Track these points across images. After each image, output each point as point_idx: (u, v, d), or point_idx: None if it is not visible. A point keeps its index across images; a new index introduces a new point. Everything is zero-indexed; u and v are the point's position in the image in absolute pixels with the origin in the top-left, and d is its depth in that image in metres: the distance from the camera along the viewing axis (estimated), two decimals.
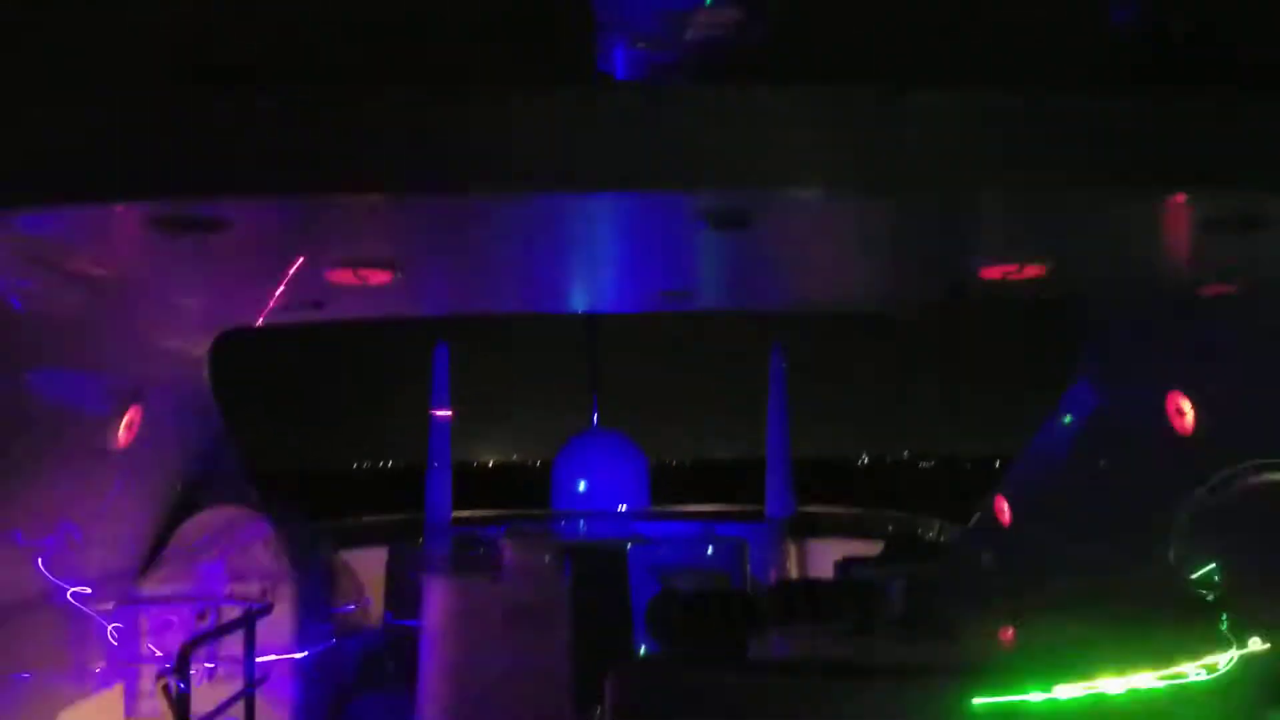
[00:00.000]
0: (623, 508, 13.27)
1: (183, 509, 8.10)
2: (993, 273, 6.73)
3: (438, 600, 7.82)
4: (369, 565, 11.30)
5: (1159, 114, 4.95)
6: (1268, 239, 5.54)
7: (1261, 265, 6.15)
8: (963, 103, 4.96)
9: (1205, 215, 5.40)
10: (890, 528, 12.56)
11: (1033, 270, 6.61)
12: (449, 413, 12.92)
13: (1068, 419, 9.47)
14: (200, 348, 8.58)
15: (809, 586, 7.79)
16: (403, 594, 10.27)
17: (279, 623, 7.42)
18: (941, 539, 11.67)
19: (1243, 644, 5.36)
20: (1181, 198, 5.10)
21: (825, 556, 11.50)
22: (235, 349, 9.22)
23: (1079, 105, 4.96)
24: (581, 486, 13.50)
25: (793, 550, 12.52)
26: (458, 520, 12.72)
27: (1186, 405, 7.60)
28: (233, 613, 7.11)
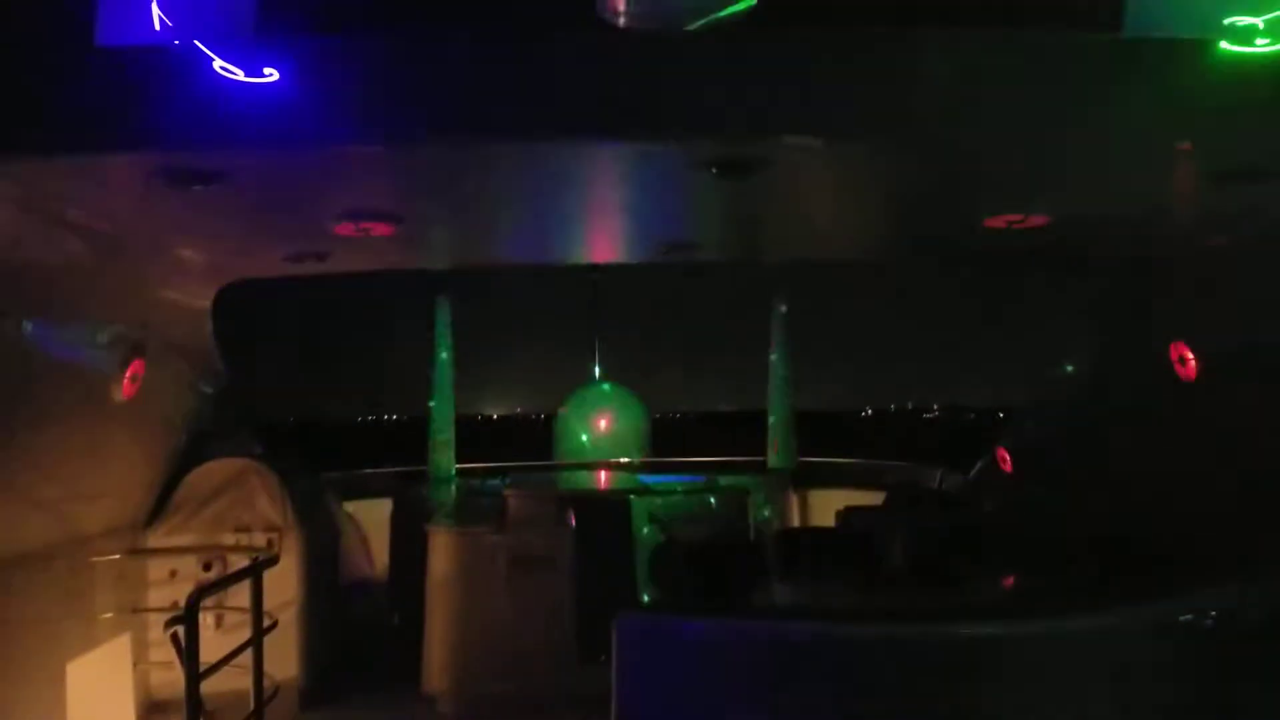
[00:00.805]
0: (625, 460, 13.31)
1: (188, 461, 8.14)
2: (997, 222, 6.71)
3: (442, 551, 7.87)
4: (374, 517, 11.37)
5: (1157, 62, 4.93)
6: (1271, 190, 5.52)
7: (1265, 215, 6.13)
8: (970, 44, 4.93)
9: (1208, 166, 5.38)
10: (892, 478, 12.61)
11: (1036, 220, 6.59)
12: (450, 365, 12.93)
13: (1070, 368, 9.47)
14: (203, 300, 8.58)
15: (812, 536, 7.83)
16: (407, 545, 10.34)
17: (285, 572, 7.48)
18: (943, 488, 11.72)
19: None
20: (1187, 147, 5.08)
21: (827, 506, 11.56)
22: (239, 301, 9.21)
23: (1084, 47, 4.93)
24: (584, 439, 13.53)
25: (795, 500, 12.57)
26: (461, 472, 12.78)
27: (1189, 353, 7.61)
28: (239, 563, 7.16)
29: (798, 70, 4.96)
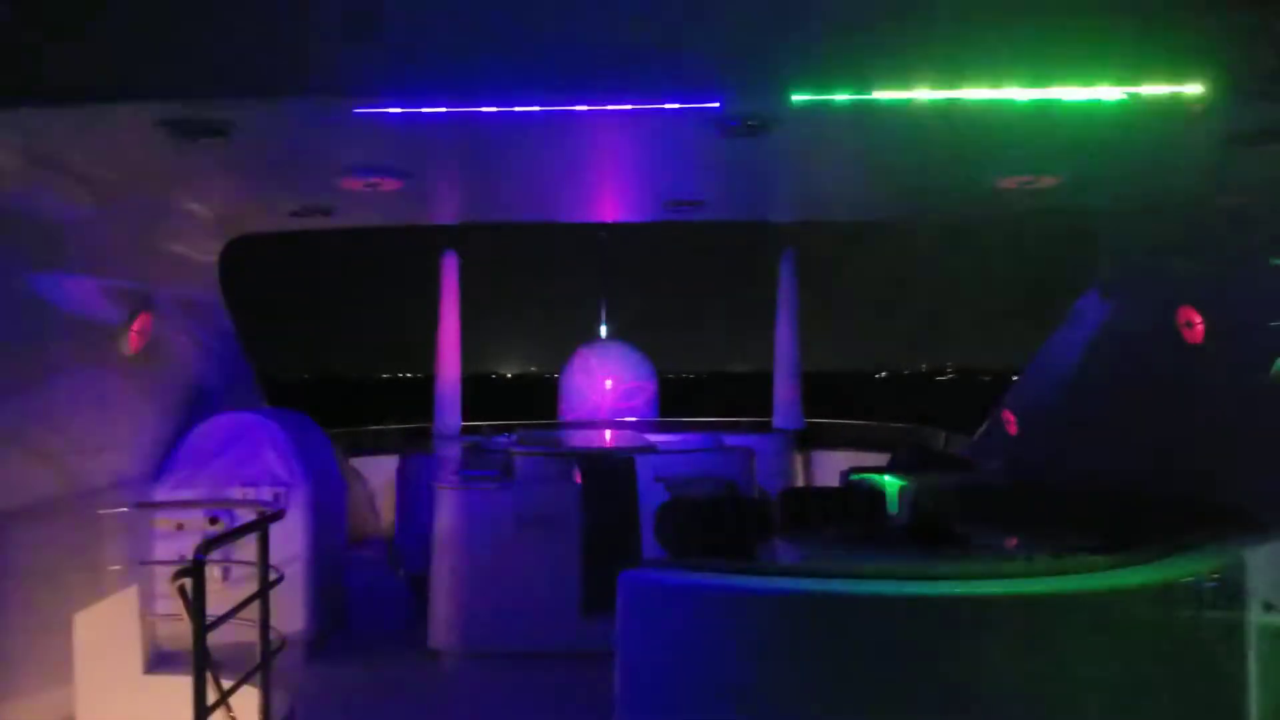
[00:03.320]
0: (631, 419, 13.32)
1: (196, 414, 8.16)
2: (1008, 183, 6.66)
3: (448, 508, 7.90)
4: (380, 473, 11.42)
5: (1177, 24, 4.88)
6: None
7: (1275, 179, 6.09)
8: (986, 5, 4.88)
9: (1221, 128, 5.34)
10: (896, 439, 12.62)
11: (1048, 180, 6.55)
12: (457, 321, 12.91)
13: (1078, 329, 9.45)
14: (211, 254, 8.57)
15: (816, 494, 7.84)
16: (413, 502, 10.38)
17: (291, 527, 7.51)
18: (947, 450, 11.72)
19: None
20: (1197, 109, 5.03)
21: (832, 467, 11.58)
22: (249, 255, 9.22)
23: (1099, 10, 4.88)
24: (590, 397, 13.52)
25: (800, 461, 12.60)
26: (468, 430, 12.80)
27: (1196, 316, 7.58)
28: (246, 517, 7.19)
29: (805, 30, 4.91)
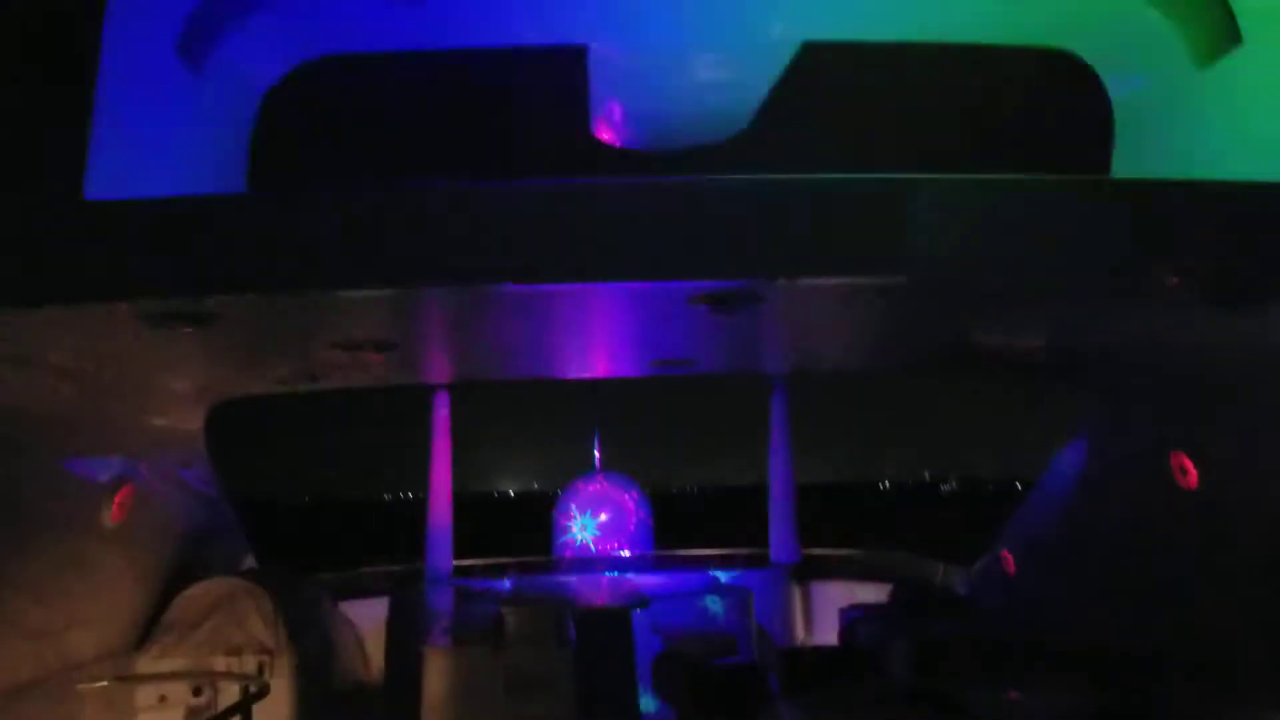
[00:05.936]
0: (625, 553, 13.14)
1: (179, 581, 8.02)
2: (990, 342, 6.67)
3: (438, 671, 7.75)
4: (371, 618, 11.19)
5: (1154, 199, 4.93)
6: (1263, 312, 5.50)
7: (1261, 334, 6.09)
8: (965, 190, 4.93)
9: (1198, 295, 5.35)
10: (896, 570, 12.45)
11: (1031, 342, 6.56)
12: (448, 459, 12.76)
13: (1071, 471, 9.38)
14: (194, 422, 8.50)
15: (817, 654, 7.71)
16: (403, 656, 10.16)
17: (277, 698, 7.34)
18: (946, 583, 11.57)
19: None
20: (1176, 282, 5.06)
21: (830, 601, 11.42)
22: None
23: (1076, 191, 4.93)
24: (583, 533, 13.36)
25: (798, 594, 12.41)
26: (460, 569, 12.57)
27: (1189, 464, 7.51)
28: (230, 688, 7.03)
29: (791, 212, 4.95)
